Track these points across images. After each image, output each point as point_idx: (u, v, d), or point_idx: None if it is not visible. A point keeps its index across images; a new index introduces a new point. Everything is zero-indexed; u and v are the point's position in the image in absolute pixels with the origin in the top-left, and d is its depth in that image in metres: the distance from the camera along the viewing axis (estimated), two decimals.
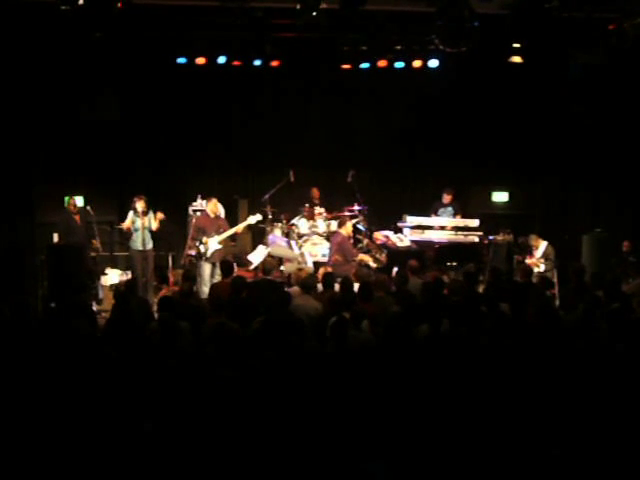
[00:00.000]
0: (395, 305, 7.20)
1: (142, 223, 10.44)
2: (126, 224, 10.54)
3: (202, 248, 10.23)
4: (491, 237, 11.39)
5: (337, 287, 8.13)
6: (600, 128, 12.54)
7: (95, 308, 9.38)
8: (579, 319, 6.56)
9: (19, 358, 5.59)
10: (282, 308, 6.95)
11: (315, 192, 12.38)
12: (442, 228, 11.45)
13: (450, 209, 12.00)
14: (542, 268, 10.99)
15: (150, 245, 10.66)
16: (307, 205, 12.18)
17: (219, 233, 10.33)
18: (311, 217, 12.02)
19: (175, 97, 12.38)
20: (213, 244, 10.25)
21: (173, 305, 7.10)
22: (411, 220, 11.47)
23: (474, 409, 4.96)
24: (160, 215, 10.69)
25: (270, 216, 11.95)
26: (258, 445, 4.58)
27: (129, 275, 10.69)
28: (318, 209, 12.07)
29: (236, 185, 12.99)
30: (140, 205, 10.44)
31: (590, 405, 5.04)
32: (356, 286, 7.94)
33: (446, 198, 12.03)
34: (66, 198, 11.26)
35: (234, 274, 8.83)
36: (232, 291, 7.66)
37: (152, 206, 10.71)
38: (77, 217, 10.85)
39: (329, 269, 9.17)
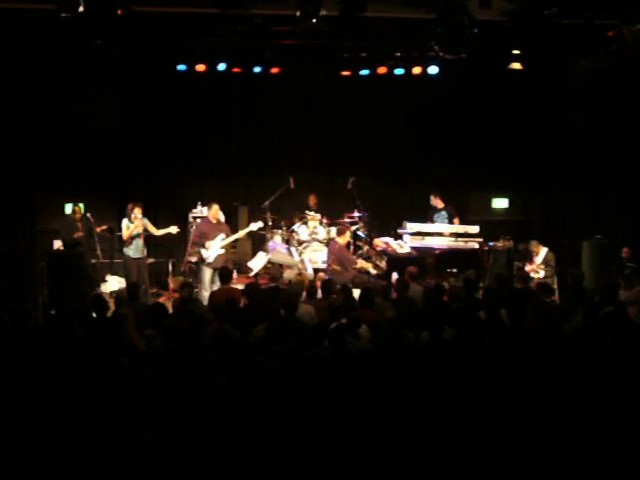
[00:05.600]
0: (390, 311, 7.16)
1: (140, 230, 10.45)
2: (127, 234, 10.47)
3: (204, 253, 10.21)
4: (491, 243, 11.37)
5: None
6: (600, 134, 12.55)
7: (95, 315, 9.34)
8: (579, 326, 6.55)
9: (19, 365, 5.59)
10: (288, 314, 6.99)
11: (312, 199, 12.34)
12: (442, 234, 11.44)
13: (444, 213, 11.83)
14: (542, 274, 11.00)
15: (145, 252, 10.66)
16: (305, 211, 12.18)
17: (222, 238, 10.29)
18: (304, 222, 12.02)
19: (175, 104, 12.36)
20: (216, 249, 10.22)
21: (165, 312, 7.15)
22: (411, 227, 11.44)
23: (471, 416, 4.95)
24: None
25: (270, 223, 11.95)
26: (256, 451, 4.57)
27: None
28: (312, 214, 12.06)
29: (236, 192, 12.95)
30: (137, 212, 10.44)
31: (588, 412, 5.03)
32: (354, 292, 7.93)
33: (436, 202, 11.91)
34: (70, 205, 11.26)
35: (233, 281, 8.84)
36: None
37: (152, 213, 10.68)
38: (80, 225, 10.83)
39: (323, 275, 9.16)
